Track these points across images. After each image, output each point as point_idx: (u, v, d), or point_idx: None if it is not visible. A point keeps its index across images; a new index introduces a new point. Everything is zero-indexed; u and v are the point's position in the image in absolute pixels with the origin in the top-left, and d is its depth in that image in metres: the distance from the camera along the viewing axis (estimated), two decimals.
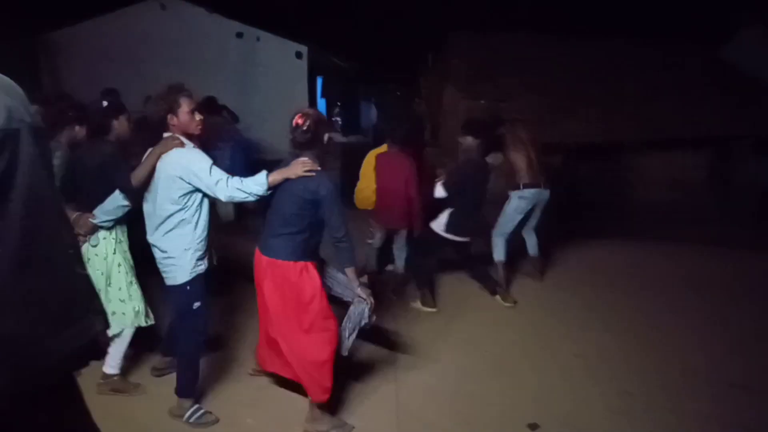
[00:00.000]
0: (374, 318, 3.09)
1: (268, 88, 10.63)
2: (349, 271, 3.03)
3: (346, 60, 13.35)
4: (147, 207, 3.04)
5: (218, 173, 2.87)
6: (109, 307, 3.20)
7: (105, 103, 3.38)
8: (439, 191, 4.60)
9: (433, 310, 4.69)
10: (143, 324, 3.30)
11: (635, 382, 3.62)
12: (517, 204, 5.14)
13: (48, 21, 10.14)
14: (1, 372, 1.03)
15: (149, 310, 3.35)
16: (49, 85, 9.62)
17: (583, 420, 3.22)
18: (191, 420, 3.04)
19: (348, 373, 3.45)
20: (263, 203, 3.03)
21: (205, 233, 3.02)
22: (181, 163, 2.87)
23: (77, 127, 3.51)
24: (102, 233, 3.25)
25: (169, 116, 2.93)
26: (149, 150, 3.01)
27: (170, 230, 2.95)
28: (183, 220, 2.94)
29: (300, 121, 2.92)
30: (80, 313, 1.24)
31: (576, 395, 3.48)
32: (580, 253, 6.21)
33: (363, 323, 3.04)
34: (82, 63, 9.78)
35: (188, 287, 2.99)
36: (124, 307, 3.25)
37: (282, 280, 2.92)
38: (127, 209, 3.15)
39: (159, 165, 2.93)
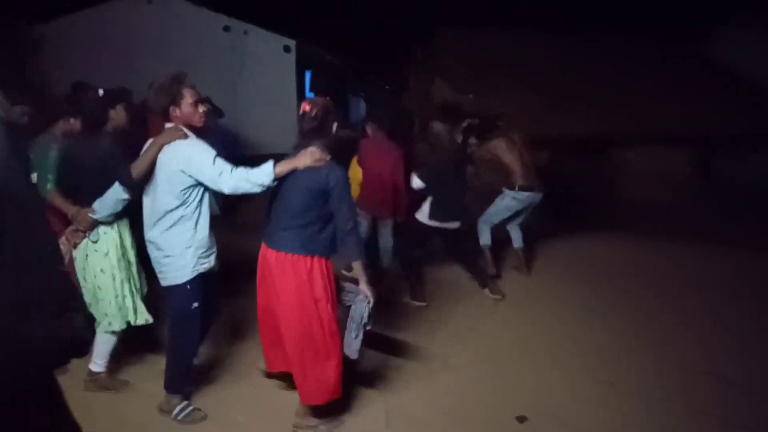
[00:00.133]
0: (371, 321, 2.96)
1: (255, 83, 10.56)
2: (357, 265, 2.90)
3: (335, 54, 13.28)
4: (146, 201, 2.95)
5: (221, 164, 2.76)
6: (103, 305, 3.15)
7: (101, 92, 3.25)
8: (416, 182, 4.60)
9: (423, 304, 4.70)
10: (135, 322, 3.21)
11: (623, 374, 3.67)
12: (509, 203, 5.24)
13: (33, 14, 9.99)
14: None
15: (145, 310, 3.26)
16: (34, 79, 9.48)
17: (570, 412, 3.26)
18: (179, 417, 3.02)
19: None
20: (262, 196, 2.93)
21: (207, 230, 2.92)
22: (183, 155, 2.78)
23: (72, 120, 3.40)
24: (103, 228, 3.16)
25: (171, 107, 2.83)
26: (149, 141, 2.94)
27: (170, 227, 2.85)
28: (183, 216, 2.84)
29: (307, 108, 2.84)
30: (58, 311, 1.22)
31: (564, 388, 3.52)
32: (567, 248, 6.26)
33: (363, 322, 2.93)
34: (67, 56, 9.65)
35: (188, 287, 2.89)
36: (121, 304, 3.18)
37: (292, 275, 2.80)
38: (127, 202, 3.05)
39: (160, 157, 2.83)
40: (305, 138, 2.86)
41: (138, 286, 3.27)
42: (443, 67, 9.07)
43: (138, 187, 2.92)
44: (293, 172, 2.77)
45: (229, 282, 4.22)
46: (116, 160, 3.01)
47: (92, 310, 3.18)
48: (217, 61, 10.38)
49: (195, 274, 2.90)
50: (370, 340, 3.57)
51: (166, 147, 2.81)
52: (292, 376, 2.97)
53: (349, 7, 13.27)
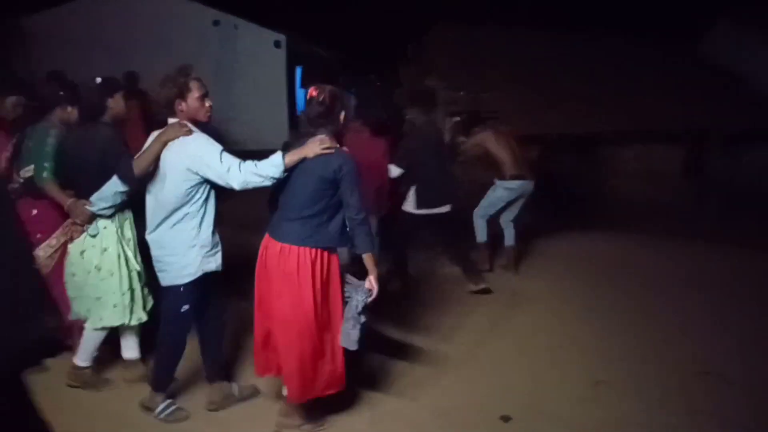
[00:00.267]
0: (366, 313, 2.80)
1: (245, 77, 10.48)
2: (367, 257, 2.77)
3: (326, 50, 13.22)
4: (149, 198, 2.83)
5: (229, 159, 2.66)
6: (95, 302, 3.07)
7: (98, 80, 3.13)
8: (394, 170, 4.47)
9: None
10: (129, 323, 3.13)
11: (621, 373, 3.64)
12: (501, 193, 5.23)
13: (20, 5, 9.85)
14: None
15: (140, 309, 3.18)
16: (21, 71, 9.35)
17: (555, 410, 3.22)
18: (161, 415, 2.95)
19: None
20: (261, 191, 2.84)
21: (212, 229, 2.82)
22: (188, 152, 2.67)
23: (69, 108, 3.29)
24: (102, 223, 3.05)
25: (177, 101, 2.72)
26: (152, 134, 2.83)
27: (174, 225, 2.75)
28: (188, 214, 2.74)
29: (315, 93, 2.74)
30: (29, 312, 1.17)
31: (549, 386, 3.48)
32: (564, 246, 6.24)
33: (357, 311, 2.77)
34: (56, 48, 9.52)
35: (182, 289, 2.81)
36: (116, 302, 3.09)
37: (295, 267, 2.69)
38: (126, 196, 2.96)
39: (164, 154, 2.71)
40: (312, 125, 2.76)
41: (136, 284, 3.17)
42: (435, 63, 9.05)
43: (138, 181, 2.81)
44: (302, 162, 2.67)
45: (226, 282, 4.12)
46: (115, 151, 2.92)
47: (78, 305, 3.12)
48: (206, 54, 10.29)
49: (199, 274, 2.80)
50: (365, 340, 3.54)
51: (170, 143, 2.70)
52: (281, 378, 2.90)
53: (340, 2, 13.21)
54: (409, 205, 4.61)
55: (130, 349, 3.30)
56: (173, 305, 2.85)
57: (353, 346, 2.74)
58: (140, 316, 3.18)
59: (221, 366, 3.18)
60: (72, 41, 9.64)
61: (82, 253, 3.05)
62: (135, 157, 2.80)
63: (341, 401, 3.14)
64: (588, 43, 9.25)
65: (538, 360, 3.82)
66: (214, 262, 2.86)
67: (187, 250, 2.77)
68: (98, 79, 3.12)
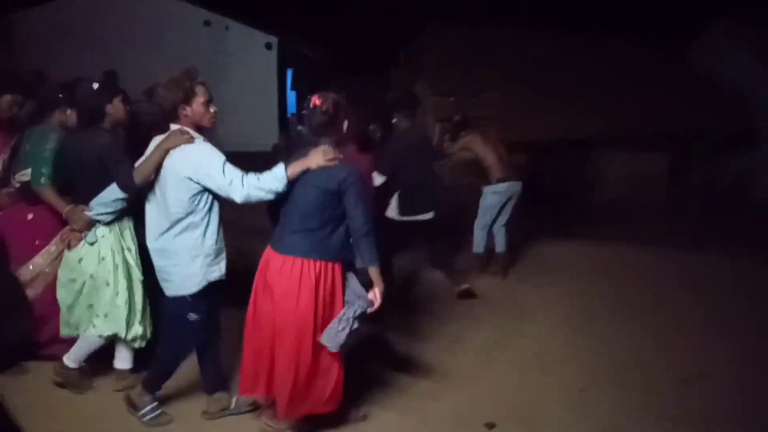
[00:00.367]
0: (361, 322, 2.70)
1: (236, 79, 10.44)
2: (373, 270, 2.68)
3: (317, 52, 13.21)
4: (150, 208, 2.75)
5: (232, 171, 2.59)
6: (89, 310, 3.00)
7: (96, 85, 3.01)
8: (377, 179, 4.38)
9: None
10: (125, 337, 3.02)
11: (595, 378, 3.68)
12: (491, 198, 5.27)
13: (8, 1, 9.75)
14: None
15: (147, 330, 3.09)
16: (6, 67, 9.24)
17: (539, 417, 3.25)
18: (145, 418, 2.90)
19: None
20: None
21: (216, 237, 2.75)
22: (191, 161, 2.59)
23: (68, 111, 3.21)
24: (101, 230, 2.95)
25: (181, 106, 2.64)
26: (153, 141, 2.75)
27: (177, 235, 2.67)
28: (192, 223, 2.67)
29: (318, 102, 2.67)
30: (3, 314, 1.16)
31: (534, 393, 3.51)
32: (544, 250, 6.28)
33: (354, 316, 2.66)
34: (44, 45, 9.44)
35: (190, 298, 2.72)
36: (113, 313, 2.97)
37: (297, 281, 2.62)
38: (126, 202, 2.87)
39: (166, 162, 2.63)
40: (314, 134, 2.70)
41: (138, 297, 3.06)
42: (425, 67, 9.07)
43: (138, 189, 2.75)
44: (305, 173, 2.61)
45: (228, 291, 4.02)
46: (114, 158, 2.84)
47: (70, 315, 3.03)
48: (196, 55, 10.23)
49: (203, 284, 2.73)
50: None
51: (172, 152, 2.62)
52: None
53: (332, 4, 13.21)
54: (392, 212, 4.56)
55: (122, 359, 3.22)
56: (180, 314, 2.77)
57: (334, 348, 2.65)
58: (138, 331, 3.06)
59: (220, 376, 3.11)
60: (60, 39, 9.57)
61: (80, 260, 2.97)
62: (136, 164, 2.74)
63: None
64: (575, 48, 9.32)
65: (524, 366, 3.85)
66: (218, 271, 2.79)
67: (192, 260, 2.70)
68: (95, 84, 3.01)
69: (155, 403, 2.95)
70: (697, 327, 4.48)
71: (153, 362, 2.96)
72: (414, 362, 3.82)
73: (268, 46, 10.82)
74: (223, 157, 2.63)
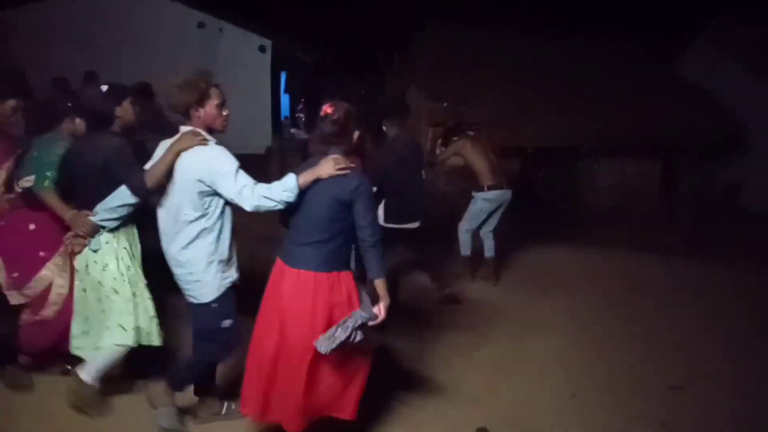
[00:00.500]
0: (362, 335, 2.58)
1: (228, 81, 10.36)
2: (380, 283, 2.62)
3: (311, 56, 13.22)
4: (162, 213, 2.70)
5: (243, 179, 2.55)
6: (100, 319, 2.90)
7: (104, 88, 2.93)
8: None
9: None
10: (145, 343, 2.92)
11: (587, 383, 3.71)
12: (481, 205, 5.31)
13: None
14: None
15: (159, 330, 2.98)
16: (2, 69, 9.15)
17: (530, 422, 3.27)
18: (161, 419, 2.85)
19: None
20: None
21: (230, 241, 2.73)
22: (202, 163, 2.56)
23: (77, 119, 3.11)
24: (105, 237, 2.86)
25: (194, 107, 2.60)
26: (162, 143, 2.70)
27: (190, 242, 2.63)
28: (204, 229, 2.62)
29: (330, 111, 2.62)
30: None
31: (526, 397, 3.53)
32: (532, 257, 6.32)
33: (354, 326, 2.53)
34: (37, 46, 9.36)
35: (216, 305, 2.69)
36: (125, 321, 2.87)
37: (311, 295, 2.56)
38: (133, 208, 2.79)
39: (177, 164, 2.59)
40: (325, 143, 2.66)
41: (147, 305, 2.96)
42: (419, 73, 9.11)
43: (149, 193, 2.68)
44: (315, 182, 2.56)
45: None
46: (124, 162, 2.75)
47: (86, 323, 2.95)
48: (189, 57, 10.20)
49: (222, 290, 2.71)
50: None
51: (183, 154, 2.58)
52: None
53: (326, 8, 13.23)
54: (378, 219, 4.54)
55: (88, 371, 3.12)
56: (209, 322, 2.73)
57: (322, 350, 2.52)
58: (153, 339, 2.96)
59: (213, 382, 3.07)
60: (53, 39, 9.49)
61: (86, 267, 2.90)
62: (147, 168, 2.69)
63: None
64: (566, 57, 9.40)
65: (516, 371, 3.87)
66: (231, 276, 2.76)
67: (207, 267, 2.66)
68: (104, 87, 2.93)
69: (175, 409, 2.90)
70: (690, 333, 4.54)
71: (185, 364, 2.91)
72: (401, 369, 3.81)
73: (262, 49, 10.79)
74: (236, 163, 2.58)
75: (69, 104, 3.14)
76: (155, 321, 2.98)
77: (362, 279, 2.75)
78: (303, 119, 13.04)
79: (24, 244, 3.11)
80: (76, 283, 2.98)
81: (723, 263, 6.18)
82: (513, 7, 11.08)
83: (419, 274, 5.14)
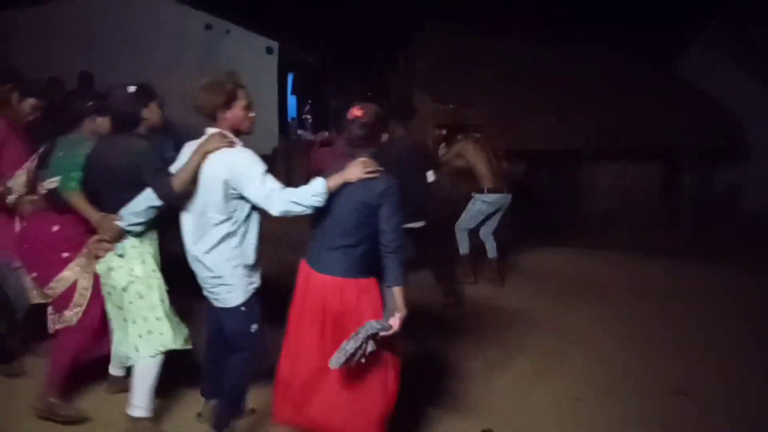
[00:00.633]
0: (371, 345, 2.48)
1: None
2: (398, 291, 2.51)
3: (317, 58, 13.27)
4: (186, 216, 2.65)
5: (271, 183, 2.49)
6: (130, 329, 2.81)
7: (132, 89, 2.83)
8: None
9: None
10: (180, 347, 2.84)
11: (589, 388, 3.73)
12: (480, 206, 5.37)
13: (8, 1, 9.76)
14: None
15: (187, 332, 2.90)
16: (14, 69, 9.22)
17: (531, 427, 3.30)
18: None
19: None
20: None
21: (255, 245, 2.66)
22: (230, 165, 2.51)
23: (98, 119, 3.04)
24: (131, 241, 2.78)
25: (221, 109, 2.56)
26: (187, 145, 2.66)
27: (215, 245, 2.57)
28: (229, 233, 2.57)
29: (360, 114, 2.58)
30: None
31: (528, 401, 3.56)
32: (534, 260, 6.33)
33: (366, 336, 2.44)
34: (42, 48, 9.44)
35: (243, 308, 2.63)
36: (159, 327, 2.78)
37: (342, 302, 2.52)
38: (159, 211, 2.73)
39: (204, 166, 2.54)
40: (352, 146, 2.62)
41: (168, 307, 2.88)
42: (422, 74, 9.15)
43: (177, 197, 2.61)
44: (343, 186, 2.52)
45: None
46: (153, 164, 2.67)
47: (117, 337, 2.91)
48: (196, 59, 10.28)
49: (249, 294, 2.66)
50: None
51: (210, 155, 2.53)
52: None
53: (333, 11, 13.28)
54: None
55: (117, 366, 3.18)
56: (238, 328, 2.67)
57: (332, 364, 2.47)
58: (183, 335, 2.89)
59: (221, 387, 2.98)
60: (58, 40, 9.56)
61: (110, 270, 2.82)
62: (174, 171, 2.64)
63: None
64: (567, 60, 9.41)
65: (519, 375, 3.89)
66: (257, 281, 2.72)
67: (233, 270, 2.60)
68: (132, 88, 2.84)
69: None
70: (690, 339, 4.51)
71: (222, 397, 2.78)
72: (404, 371, 3.83)
73: (269, 51, 10.86)
74: (263, 166, 2.54)
75: (90, 103, 3.08)
76: (182, 324, 2.92)
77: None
78: (310, 121, 13.10)
79: (47, 245, 3.05)
80: (103, 287, 2.92)
81: (724, 265, 6.18)
82: (514, 7, 11.09)
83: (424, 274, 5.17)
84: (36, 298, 3.14)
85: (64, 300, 3.04)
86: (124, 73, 6.94)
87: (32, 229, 3.13)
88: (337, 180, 2.52)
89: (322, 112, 13.32)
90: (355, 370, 2.52)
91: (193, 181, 2.58)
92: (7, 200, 3.18)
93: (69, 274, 3.02)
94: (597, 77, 9.10)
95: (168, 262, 2.93)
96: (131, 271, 2.79)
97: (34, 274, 3.11)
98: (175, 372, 3.00)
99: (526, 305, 5.09)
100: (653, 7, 11.02)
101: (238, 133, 2.65)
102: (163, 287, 2.87)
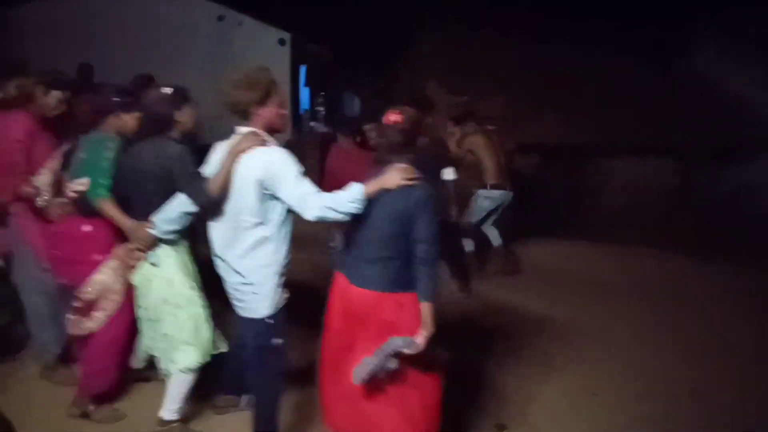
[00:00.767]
0: (393, 362, 2.44)
1: None
2: (427, 307, 2.43)
3: (331, 50, 13.21)
4: (215, 220, 2.57)
5: (306, 186, 2.40)
6: (169, 341, 2.73)
7: (168, 90, 2.73)
8: None
9: None
10: (215, 353, 2.82)
11: (602, 384, 3.74)
12: (482, 202, 5.42)
13: None
14: None
15: (220, 337, 2.87)
16: (5, 64, 9.25)
17: (543, 421, 3.32)
18: None
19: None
20: None
21: (286, 252, 2.56)
22: (263, 164, 2.41)
23: (123, 115, 2.94)
24: (165, 250, 2.69)
25: (255, 107, 2.46)
26: (218, 146, 2.59)
27: (248, 251, 2.47)
28: (264, 237, 2.46)
29: (398, 118, 2.49)
30: None
31: (542, 396, 3.58)
32: (542, 256, 6.30)
33: (388, 354, 2.40)
34: (55, 40, 9.46)
35: (271, 320, 2.54)
36: (198, 339, 2.71)
37: (382, 317, 2.45)
38: (194, 217, 2.63)
39: (237, 167, 2.45)
40: (390, 151, 2.53)
41: (208, 318, 2.83)
42: (435, 67, 9.10)
43: (212, 202, 2.52)
44: (380, 194, 2.43)
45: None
46: (188, 170, 2.58)
47: (154, 347, 2.83)
48: (208, 50, 10.26)
49: (278, 307, 2.56)
50: None
51: (243, 155, 2.44)
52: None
53: (348, 1, 13.18)
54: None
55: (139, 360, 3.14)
56: (263, 340, 2.58)
57: (355, 379, 2.47)
58: (220, 345, 2.88)
59: (240, 391, 3.04)
60: (70, 33, 9.58)
61: (147, 281, 2.73)
62: (207, 174, 2.56)
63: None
64: (581, 55, 9.30)
65: (532, 370, 3.91)
66: (287, 294, 2.64)
67: (265, 278, 2.51)
68: (167, 90, 2.75)
69: None
70: (703, 339, 4.46)
71: (254, 414, 2.71)
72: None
73: (282, 42, 10.81)
74: (298, 168, 2.44)
75: (115, 99, 2.97)
76: (218, 331, 2.89)
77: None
78: (323, 112, 13.06)
79: (75, 248, 2.95)
80: (136, 300, 2.85)
81: (737, 266, 6.07)
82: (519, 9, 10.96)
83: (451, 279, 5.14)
84: (74, 329, 3.02)
85: (87, 306, 2.96)
86: (134, 64, 6.97)
87: (62, 231, 3.02)
88: (374, 186, 2.42)
89: (334, 104, 13.26)
90: (395, 385, 2.48)
91: (228, 184, 2.48)
92: (36, 202, 3.10)
93: (102, 278, 2.91)
94: (611, 74, 9.00)
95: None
96: (169, 282, 2.71)
97: (64, 281, 3.03)
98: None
99: (535, 302, 5.07)
100: (666, 3, 10.82)
101: (271, 131, 2.55)
102: (202, 297, 2.80)
